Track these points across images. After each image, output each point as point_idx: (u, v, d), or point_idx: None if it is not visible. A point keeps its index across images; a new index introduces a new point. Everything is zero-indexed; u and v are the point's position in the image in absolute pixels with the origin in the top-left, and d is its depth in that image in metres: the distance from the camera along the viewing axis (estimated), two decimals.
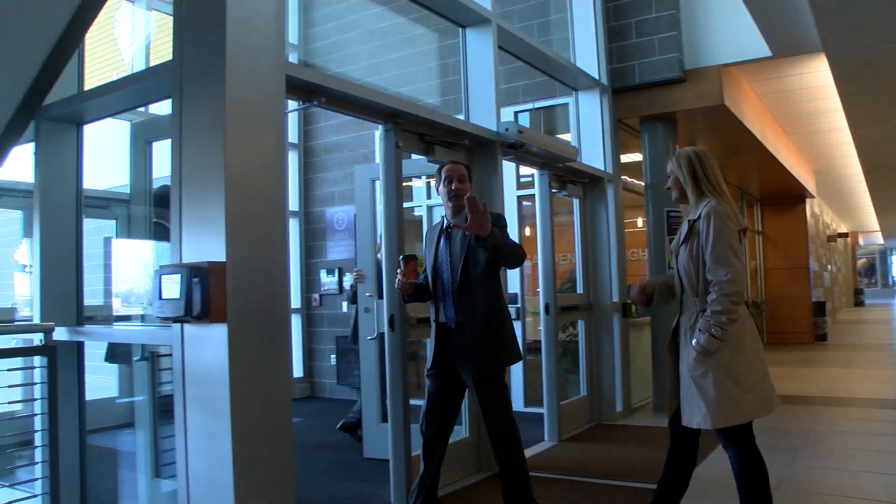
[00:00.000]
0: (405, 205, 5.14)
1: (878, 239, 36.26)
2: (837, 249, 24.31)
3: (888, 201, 17.84)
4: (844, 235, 26.01)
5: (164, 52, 3.47)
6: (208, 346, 2.97)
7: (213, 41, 3.04)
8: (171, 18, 3.29)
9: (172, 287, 2.96)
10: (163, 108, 3.80)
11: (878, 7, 5.58)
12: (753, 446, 3.21)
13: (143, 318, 4.21)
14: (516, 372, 6.96)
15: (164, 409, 4.00)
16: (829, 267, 20.34)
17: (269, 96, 3.23)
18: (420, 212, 8.60)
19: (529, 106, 7.80)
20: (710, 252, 3.10)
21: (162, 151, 4.03)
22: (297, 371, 9.21)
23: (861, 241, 36.08)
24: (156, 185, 4.30)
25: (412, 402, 4.45)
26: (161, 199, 4.07)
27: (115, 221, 5.20)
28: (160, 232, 4.11)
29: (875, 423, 6.49)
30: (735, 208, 3.24)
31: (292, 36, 9.61)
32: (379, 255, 5.35)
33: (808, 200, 14.49)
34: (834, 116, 9.29)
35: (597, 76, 7.13)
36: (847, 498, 4.22)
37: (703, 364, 3.12)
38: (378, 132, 4.64)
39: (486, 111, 5.37)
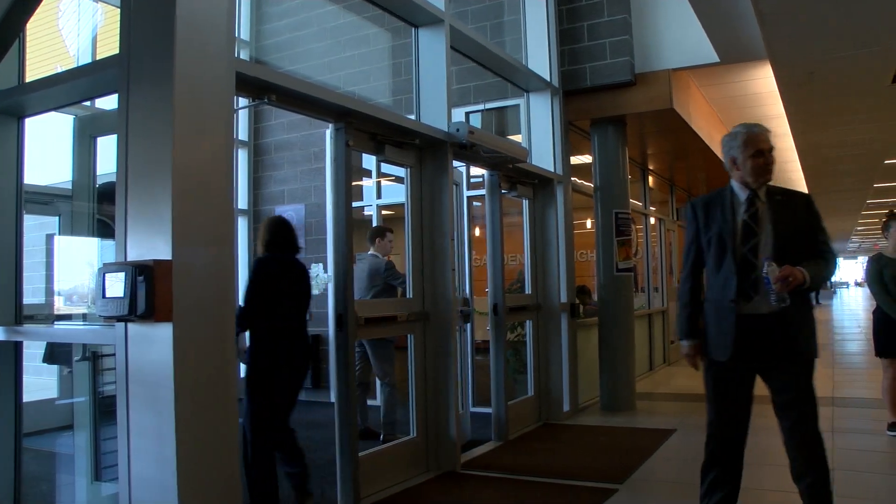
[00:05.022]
0: (355, 204, 5.12)
1: None
2: None
3: (828, 206, 18.34)
4: None
5: (111, 46, 3.40)
6: (153, 345, 2.92)
7: (161, 35, 2.99)
8: (119, 11, 3.23)
9: (116, 285, 2.90)
10: (109, 102, 3.72)
11: (819, 18, 5.75)
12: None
13: (84, 317, 4.12)
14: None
15: (105, 411, 3.92)
16: None
17: (219, 93, 3.18)
18: (370, 211, 8.58)
19: (481, 107, 7.81)
20: None
21: (107, 147, 3.94)
22: None
23: None
24: (100, 182, 4.21)
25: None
26: (105, 196, 3.99)
27: (57, 218, 5.08)
28: (103, 229, 4.02)
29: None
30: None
31: (244, 32, 9.48)
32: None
33: None
34: (780, 122, 9.51)
35: (548, 78, 7.19)
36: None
37: None
38: (329, 131, 4.62)
39: (437, 111, 5.38)
